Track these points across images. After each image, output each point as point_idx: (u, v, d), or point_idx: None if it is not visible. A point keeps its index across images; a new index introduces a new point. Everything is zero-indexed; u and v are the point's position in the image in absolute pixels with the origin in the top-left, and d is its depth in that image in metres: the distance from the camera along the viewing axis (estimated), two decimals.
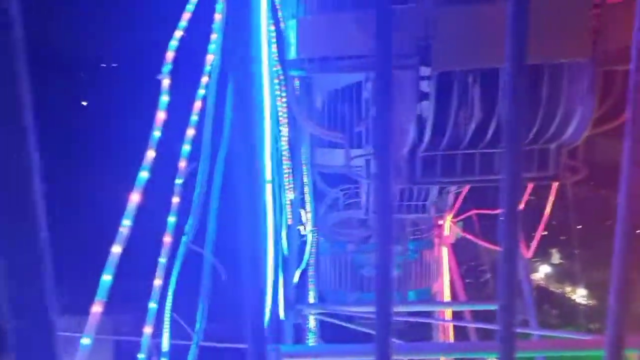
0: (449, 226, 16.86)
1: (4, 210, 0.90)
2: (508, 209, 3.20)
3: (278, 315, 13.51)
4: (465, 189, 15.35)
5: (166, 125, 6.14)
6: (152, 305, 5.98)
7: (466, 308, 15.99)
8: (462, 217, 16.95)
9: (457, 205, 16.33)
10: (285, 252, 13.88)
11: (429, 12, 7.61)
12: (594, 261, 22.43)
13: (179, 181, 6.82)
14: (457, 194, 16.00)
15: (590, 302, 21.90)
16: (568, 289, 21.99)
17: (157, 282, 6.12)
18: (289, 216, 14.24)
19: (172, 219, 6.55)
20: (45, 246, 0.97)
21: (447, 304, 17.07)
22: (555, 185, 12.02)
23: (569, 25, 7.10)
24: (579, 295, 22.46)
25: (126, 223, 5.02)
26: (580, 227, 23.64)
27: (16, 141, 0.92)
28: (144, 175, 5.34)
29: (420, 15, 7.61)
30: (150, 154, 5.52)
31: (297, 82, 12.59)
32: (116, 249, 4.89)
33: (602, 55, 7.27)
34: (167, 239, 6.33)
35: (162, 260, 6.24)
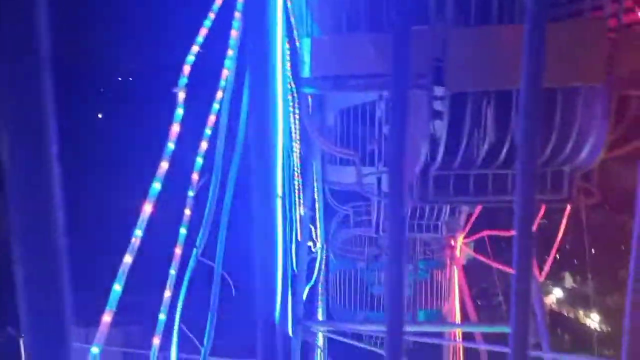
0: (460, 247, 16.72)
1: (24, 219, 0.92)
2: (521, 230, 3.19)
3: (286, 332, 13.42)
4: (478, 209, 15.24)
5: (180, 138, 6.22)
6: (162, 316, 5.99)
7: (477, 330, 15.77)
8: (474, 237, 16.82)
9: (469, 225, 16.20)
10: (295, 268, 13.86)
11: (444, 32, 7.67)
12: (608, 286, 22.06)
13: (190, 193, 6.87)
14: (469, 215, 15.90)
15: (603, 327, 21.49)
16: (581, 313, 21.61)
17: (167, 293, 6.14)
18: (299, 232, 14.22)
19: (183, 231, 6.59)
20: (63, 255, 1.00)
21: (458, 325, 16.84)
22: (568, 209, 11.91)
23: (583, 49, 7.10)
24: (592, 320, 22.05)
25: (138, 234, 5.06)
26: (594, 251, 23.33)
27: (38, 151, 0.95)
28: (156, 186, 5.40)
29: (435, 35, 7.68)
30: (164, 166, 5.59)
31: (310, 99, 12.70)
32: (127, 259, 4.92)
33: (616, 79, 7.25)
34: (178, 250, 6.36)
35: (172, 272, 6.26)
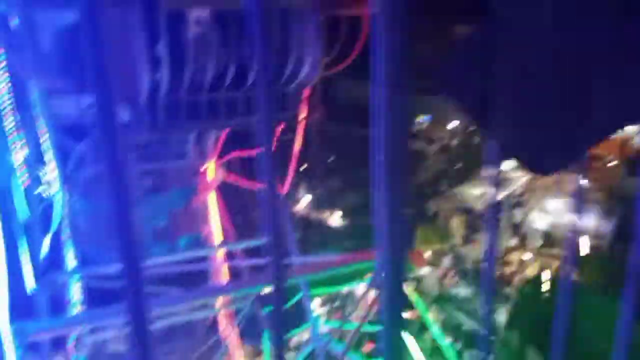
0: (213, 170, 16.83)
1: None
2: (264, 148, 3.75)
3: (25, 291, 11.92)
4: (226, 131, 15.33)
5: None
6: None
7: (235, 247, 16.52)
8: (225, 159, 17.08)
9: (219, 148, 16.31)
10: (25, 217, 12.14)
11: None
12: (348, 186, 25.33)
13: None
14: (218, 137, 15.94)
15: (345, 222, 24.93)
16: (326, 214, 24.52)
17: None
18: (24, 177, 12.33)
19: None
20: None
21: (220, 246, 17.34)
22: (302, 123, 12.82)
23: None
24: (335, 218, 25.34)
25: None
26: (334, 158, 26.30)
27: None
28: None
29: None
30: None
31: (15, 22, 10.63)
32: None
33: (323, 1, 7.71)
34: None
35: None
